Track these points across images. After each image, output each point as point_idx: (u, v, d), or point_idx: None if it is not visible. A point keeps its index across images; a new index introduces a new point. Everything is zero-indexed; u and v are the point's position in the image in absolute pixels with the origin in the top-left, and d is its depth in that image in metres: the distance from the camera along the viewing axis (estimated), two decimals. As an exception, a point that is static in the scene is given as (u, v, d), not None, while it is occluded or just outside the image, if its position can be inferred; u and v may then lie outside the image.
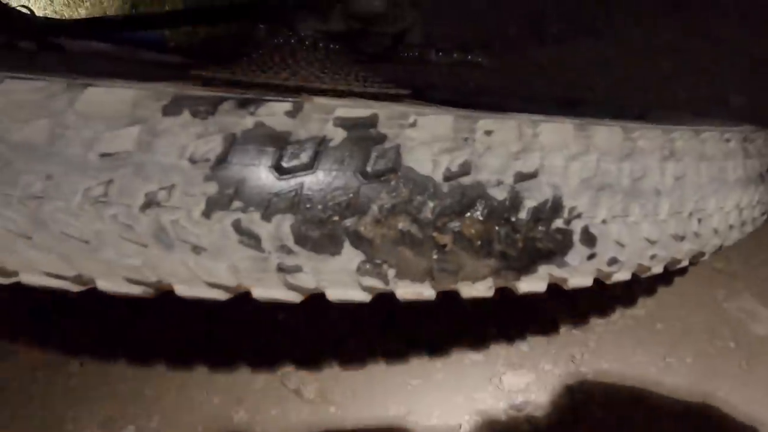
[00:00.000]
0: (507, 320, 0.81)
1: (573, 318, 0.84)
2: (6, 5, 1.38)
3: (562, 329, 0.83)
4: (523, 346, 0.79)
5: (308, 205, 0.33)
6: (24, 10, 1.31)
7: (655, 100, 1.35)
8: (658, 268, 0.47)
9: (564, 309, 0.84)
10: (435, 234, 0.35)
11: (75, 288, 0.36)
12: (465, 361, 0.75)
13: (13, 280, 0.36)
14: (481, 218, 0.36)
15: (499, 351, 0.77)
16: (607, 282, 0.46)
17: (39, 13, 2.64)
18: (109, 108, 0.32)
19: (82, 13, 2.85)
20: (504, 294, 0.44)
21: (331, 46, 1.05)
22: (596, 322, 0.84)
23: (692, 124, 0.85)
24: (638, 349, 0.79)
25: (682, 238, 0.46)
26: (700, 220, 0.46)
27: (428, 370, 0.73)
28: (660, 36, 1.39)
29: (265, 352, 0.72)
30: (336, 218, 0.33)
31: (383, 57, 1.07)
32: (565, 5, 1.47)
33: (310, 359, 0.72)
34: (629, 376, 0.74)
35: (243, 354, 0.72)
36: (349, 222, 0.34)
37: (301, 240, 0.33)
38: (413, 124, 0.35)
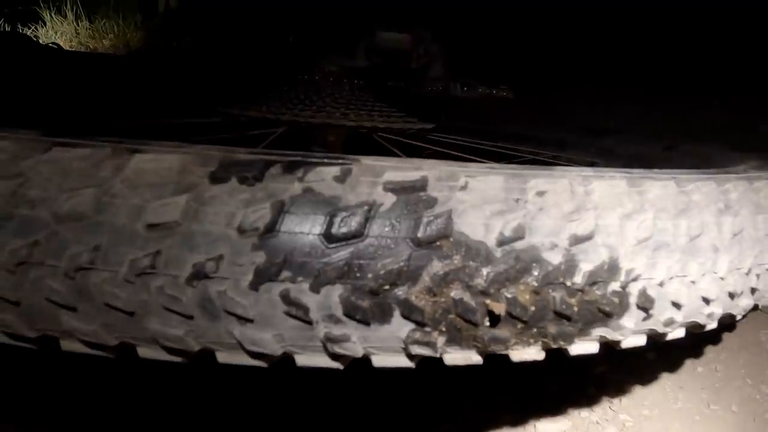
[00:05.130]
0: (539, 364, 0.78)
1: (608, 360, 0.80)
2: (37, 43, 1.42)
3: (598, 372, 0.80)
4: (557, 391, 0.76)
5: (358, 275, 0.32)
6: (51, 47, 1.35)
7: (681, 128, 1.33)
8: (712, 325, 0.45)
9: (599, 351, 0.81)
10: (489, 301, 0.33)
11: (113, 355, 0.35)
12: (497, 408, 0.72)
13: (51, 346, 0.35)
14: (535, 284, 0.34)
15: (532, 396, 0.74)
16: (661, 341, 0.43)
17: (65, 45, 2.71)
18: (156, 175, 0.32)
19: (106, 44, 2.93)
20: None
21: (356, 81, 1.06)
22: (633, 365, 0.80)
23: (726, 158, 0.83)
24: (680, 394, 0.76)
25: (739, 295, 0.43)
26: (758, 276, 0.44)
27: (458, 417, 0.71)
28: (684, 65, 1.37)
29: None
30: (386, 287, 0.32)
31: (407, 92, 1.07)
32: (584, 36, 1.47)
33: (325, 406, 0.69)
34: (672, 425, 0.71)
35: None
36: (399, 291, 0.32)
37: (350, 310, 0.32)
38: (464, 187, 0.34)
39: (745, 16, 1.38)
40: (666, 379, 0.78)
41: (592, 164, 1.08)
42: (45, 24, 3.09)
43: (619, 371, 0.79)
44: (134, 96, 1.19)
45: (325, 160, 0.34)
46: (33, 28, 2.96)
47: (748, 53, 1.40)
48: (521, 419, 0.70)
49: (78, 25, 3.10)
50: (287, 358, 0.35)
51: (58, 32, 3.03)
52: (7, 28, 2.81)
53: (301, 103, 0.94)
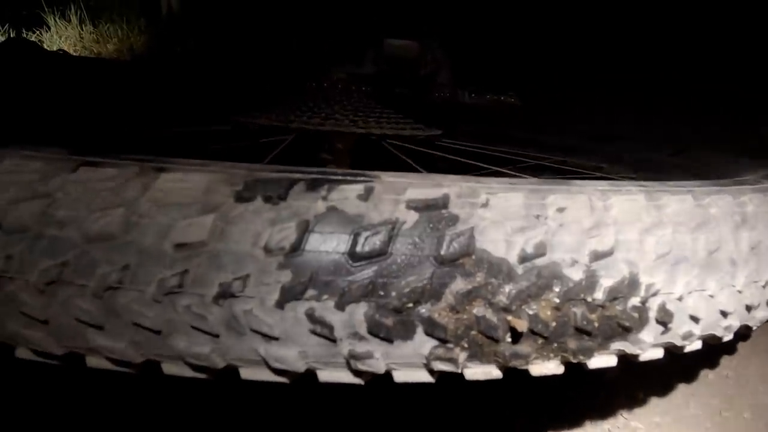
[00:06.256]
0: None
1: (621, 367, 0.80)
2: (44, 49, 1.43)
3: (610, 379, 0.80)
4: (570, 398, 0.76)
5: (382, 293, 0.32)
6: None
7: (685, 134, 1.33)
8: (729, 337, 0.45)
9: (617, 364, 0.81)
10: (510, 318, 0.34)
11: (137, 371, 0.35)
12: (510, 415, 0.72)
13: (76, 362, 0.36)
14: (557, 300, 0.34)
15: (545, 403, 0.74)
16: (678, 353, 0.43)
17: (70, 50, 2.72)
18: (182, 195, 0.32)
19: (110, 48, 2.94)
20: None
21: (364, 88, 1.06)
22: (645, 372, 0.80)
23: (735, 167, 0.83)
24: (691, 401, 0.76)
25: (756, 307, 0.43)
26: (775, 288, 0.44)
27: (469, 423, 0.71)
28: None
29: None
30: (410, 305, 0.32)
31: (415, 98, 1.07)
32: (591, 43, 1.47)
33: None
34: (684, 432, 0.71)
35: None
36: (423, 309, 0.33)
37: (374, 328, 0.32)
38: (485, 204, 0.34)
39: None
40: (678, 387, 0.79)
41: (598, 168, 1.09)
42: (49, 28, 3.10)
43: (631, 378, 0.79)
44: (142, 103, 1.20)
45: (348, 178, 0.35)
46: (37, 32, 2.97)
47: (748, 55, 1.40)
48: (534, 427, 0.71)
49: (82, 30, 3.10)
50: (310, 374, 0.35)
51: (62, 37, 3.04)
52: (12, 33, 2.82)
53: (310, 111, 0.95)
